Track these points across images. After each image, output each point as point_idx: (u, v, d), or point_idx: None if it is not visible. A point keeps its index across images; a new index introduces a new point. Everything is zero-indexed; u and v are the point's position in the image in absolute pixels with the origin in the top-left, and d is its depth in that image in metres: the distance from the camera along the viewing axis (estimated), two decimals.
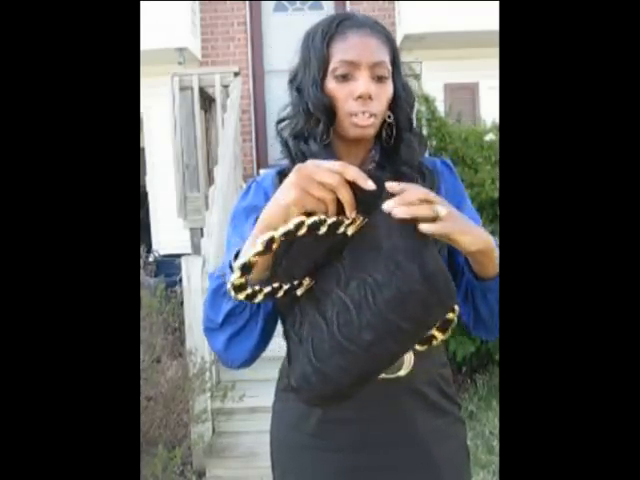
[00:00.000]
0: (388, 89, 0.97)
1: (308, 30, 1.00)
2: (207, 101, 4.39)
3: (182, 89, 4.16)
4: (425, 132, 3.54)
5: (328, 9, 5.66)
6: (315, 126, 0.98)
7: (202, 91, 4.22)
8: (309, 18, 5.50)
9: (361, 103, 0.94)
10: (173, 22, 5.05)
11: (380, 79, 0.96)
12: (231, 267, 0.82)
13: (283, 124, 1.03)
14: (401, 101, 1.00)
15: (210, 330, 0.93)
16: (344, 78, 0.95)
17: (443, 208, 0.76)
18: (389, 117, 1.00)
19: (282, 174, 1.02)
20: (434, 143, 3.64)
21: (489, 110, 4.36)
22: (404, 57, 1.03)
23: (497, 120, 3.56)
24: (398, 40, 5.37)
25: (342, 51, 0.95)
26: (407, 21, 5.07)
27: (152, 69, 4.42)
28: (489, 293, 0.92)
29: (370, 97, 0.94)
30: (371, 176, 0.97)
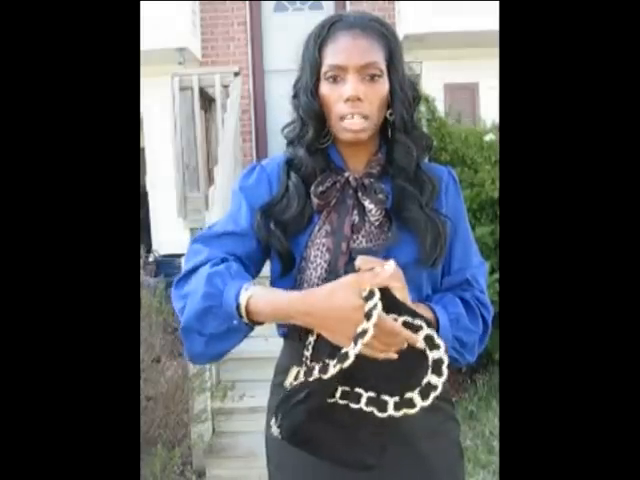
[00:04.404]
0: (381, 88, 0.96)
1: (308, 34, 1.01)
2: (207, 101, 4.38)
3: (182, 89, 4.15)
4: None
5: (328, 9, 5.65)
6: (306, 132, 1.00)
7: (202, 91, 4.21)
8: (309, 18, 5.48)
9: (350, 105, 0.95)
10: (173, 22, 5.04)
11: (372, 79, 0.95)
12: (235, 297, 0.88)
13: (287, 130, 1.05)
14: (396, 100, 0.98)
15: (188, 333, 0.93)
16: (334, 81, 0.96)
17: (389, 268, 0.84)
18: (390, 115, 0.99)
19: (290, 164, 1.03)
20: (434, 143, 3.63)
21: (489, 110, 4.36)
22: (404, 57, 1.02)
23: (497, 120, 3.55)
24: None
25: (331, 54, 0.96)
26: (407, 21, 5.06)
27: (152, 69, 4.41)
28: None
29: (359, 99, 0.94)
30: (368, 187, 0.98)
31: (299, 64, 1.02)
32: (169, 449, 2.42)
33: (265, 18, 5.75)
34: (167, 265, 4.74)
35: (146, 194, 5.57)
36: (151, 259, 5.08)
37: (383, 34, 0.98)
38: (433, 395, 0.83)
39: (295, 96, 1.02)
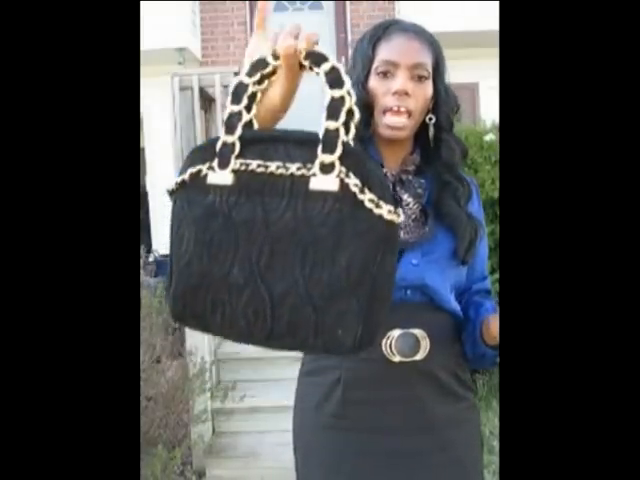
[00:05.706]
0: (426, 89, 1.03)
1: (363, 33, 1.09)
2: (207, 101, 4.38)
3: (182, 89, 4.15)
4: None
5: (328, 9, 5.65)
6: None
7: (202, 91, 4.21)
8: (309, 18, 5.48)
9: (397, 98, 1.00)
10: (173, 22, 5.05)
11: (419, 79, 1.02)
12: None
13: None
14: (441, 102, 1.05)
15: None
16: (384, 75, 1.02)
17: None
18: (429, 119, 1.06)
19: None
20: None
21: (489, 110, 4.36)
22: None
23: (497, 120, 3.55)
24: None
25: (385, 51, 1.03)
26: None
27: (152, 69, 4.42)
28: (480, 349, 1.03)
29: (407, 93, 1.00)
30: (405, 182, 1.04)
31: (350, 60, 1.10)
32: (169, 449, 2.42)
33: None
34: (167, 265, 4.74)
35: (146, 194, 5.57)
36: (151, 259, 5.08)
37: (432, 43, 1.05)
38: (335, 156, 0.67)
39: None
